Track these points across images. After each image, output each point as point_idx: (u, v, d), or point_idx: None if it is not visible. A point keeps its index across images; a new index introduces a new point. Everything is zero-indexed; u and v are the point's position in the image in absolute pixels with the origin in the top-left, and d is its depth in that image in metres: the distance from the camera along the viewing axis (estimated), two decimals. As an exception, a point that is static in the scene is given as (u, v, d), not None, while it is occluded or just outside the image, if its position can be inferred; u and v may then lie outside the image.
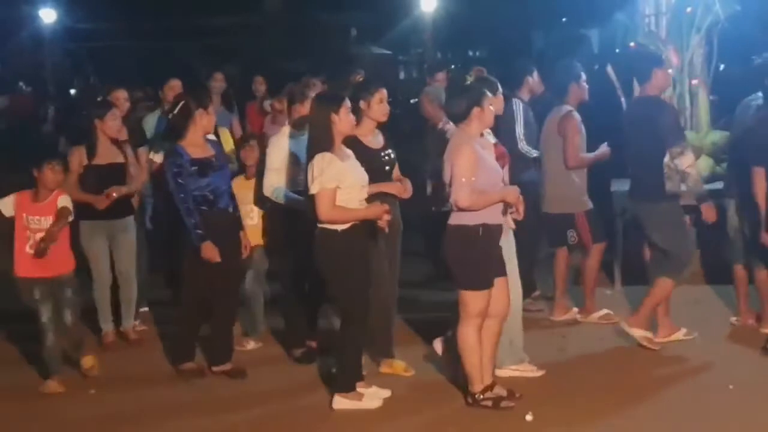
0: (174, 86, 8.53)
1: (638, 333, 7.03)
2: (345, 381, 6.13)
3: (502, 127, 7.76)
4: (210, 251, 6.56)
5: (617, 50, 11.46)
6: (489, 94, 6.11)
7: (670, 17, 9.68)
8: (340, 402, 6.10)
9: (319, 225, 6.01)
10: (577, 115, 7.80)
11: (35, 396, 6.55)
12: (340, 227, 5.96)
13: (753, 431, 5.73)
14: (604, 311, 7.87)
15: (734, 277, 7.55)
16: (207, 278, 6.68)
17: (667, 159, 6.85)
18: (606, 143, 7.87)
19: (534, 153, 7.98)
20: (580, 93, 7.89)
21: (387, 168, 6.54)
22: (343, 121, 6.03)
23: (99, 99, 8.29)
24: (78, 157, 7.33)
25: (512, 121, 7.92)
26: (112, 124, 7.39)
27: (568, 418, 5.91)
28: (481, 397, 6.00)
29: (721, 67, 10.92)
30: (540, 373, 6.58)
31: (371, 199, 6.23)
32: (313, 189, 5.93)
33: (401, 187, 6.50)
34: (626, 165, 7.35)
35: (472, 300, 5.95)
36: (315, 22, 30.95)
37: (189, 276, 6.79)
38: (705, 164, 9.04)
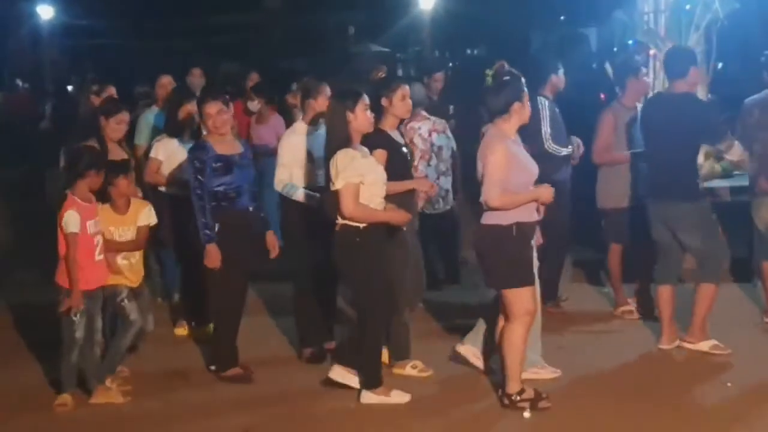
0: (165, 83, 8.48)
1: (704, 346, 6.87)
2: (370, 377, 6.08)
3: (527, 126, 7.73)
4: (213, 254, 6.40)
5: (615, 48, 11.46)
6: (526, 90, 6.02)
7: (669, 15, 9.66)
8: (369, 397, 6.06)
9: (340, 221, 5.96)
10: (617, 112, 7.68)
11: (37, 396, 6.47)
12: (361, 224, 5.92)
13: (744, 428, 5.74)
14: (627, 307, 7.85)
15: (764, 276, 7.43)
16: (235, 278, 6.52)
17: (701, 156, 6.75)
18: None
19: (563, 151, 7.85)
20: (640, 86, 7.84)
21: (409, 163, 6.55)
22: (359, 118, 5.99)
23: (97, 95, 8.18)
24: None
25: (538, 120, 7.74)
26: (115, 127, 7.11)
27: (565, 416, 5.90)
28: (518, 398, 5.92)
29: (720, 65, 10.91)
30: (558, 373, 6.50)
31: (399, 196, 6.21)
32: (338, 184, 5.88)
33: (429, 183, 6.50)
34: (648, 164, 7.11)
35: (516, 299, 5.87)
36: (314, 21, 30.97)
37: (219, 280, 6.52)
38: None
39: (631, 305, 7.90)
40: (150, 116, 8.48)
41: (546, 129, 7.79)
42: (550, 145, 7.78)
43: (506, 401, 5.95)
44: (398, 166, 6.31)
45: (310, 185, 6.80)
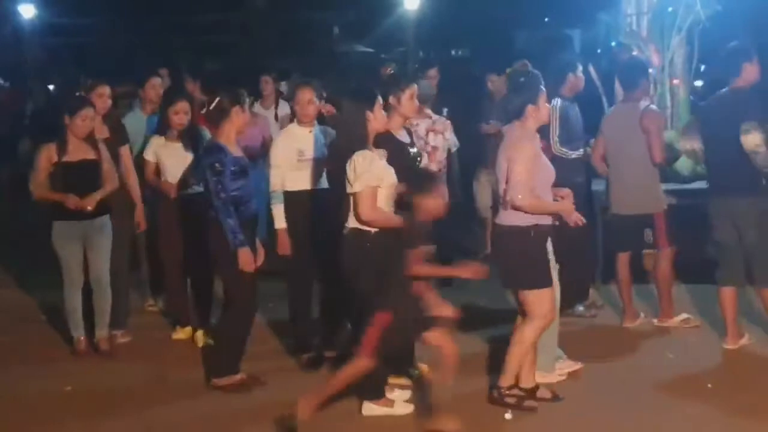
0: (155, 84, 8.40)
1: (743, 341, 6.94)
2: (371, 386, 5.91)
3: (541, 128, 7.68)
4: (247, 258, 6.26)
5: (599, 50, 11.49)
6: (544, 90, 5.99)
7: (652, 17, 9.72)
8: (370, 408, 5.95)
9: (350, 225, 5.85)
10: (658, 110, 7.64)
11: (28, 403, 6.42)
12: (372, 229, 5.81)
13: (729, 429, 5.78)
14: (684, 315, 7.62)
15: None
16: (250, 285, 6.38)
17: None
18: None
19: (573, 154, 7.73)
20: (647, 87, 7.87)
21: (417, 163, 6.47)
22: (378, 118, 5.93)
23: (78, 94, 7.88)
24: (47, 155, 7.03)
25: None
26: (81, 124, 7.01)
27: (548, 417, 5.92)
28: (507, 392, 5.95)
29: (702, 67, 10.97)
30: (579, 365, 6.53)
31: None
32: (356, 187, 5.76)
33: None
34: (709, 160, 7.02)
35: (536, 300, 5.86)
36: (298, 20, 30.92)
37: (234, 284, 6.40)
38: (685, 164, 9.07)
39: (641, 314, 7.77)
40: (131, 118, 8.22)
41: (554, 131, 7.64)
42: (557, 149, 7.64)
43: (495, 393, 5.97)
44: (403, 168, 6.08)
45: (303, 187, 6.77)
